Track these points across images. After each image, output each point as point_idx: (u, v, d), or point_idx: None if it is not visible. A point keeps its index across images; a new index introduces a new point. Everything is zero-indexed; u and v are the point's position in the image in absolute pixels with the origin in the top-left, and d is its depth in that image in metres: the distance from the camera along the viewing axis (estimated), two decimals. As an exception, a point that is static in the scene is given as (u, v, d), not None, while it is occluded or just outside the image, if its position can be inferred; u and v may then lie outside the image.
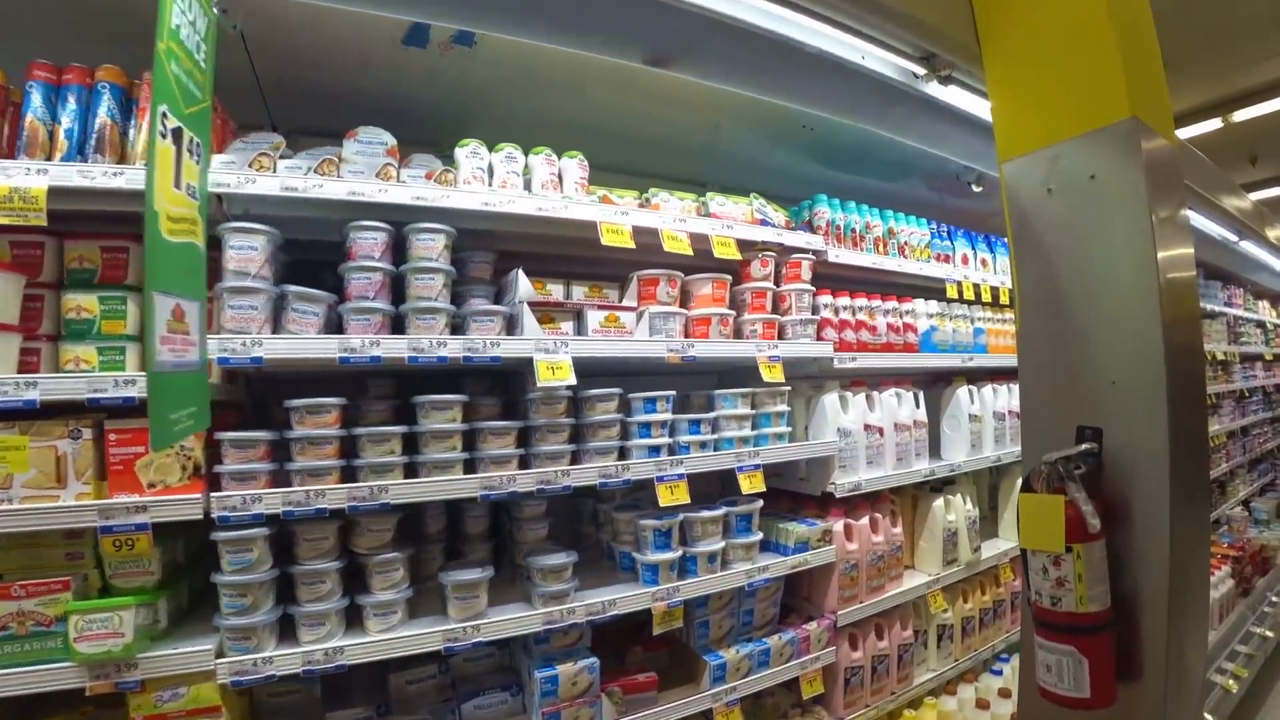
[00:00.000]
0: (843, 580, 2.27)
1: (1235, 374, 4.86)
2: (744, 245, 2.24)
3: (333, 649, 1.56)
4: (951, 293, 2.70)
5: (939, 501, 2.55)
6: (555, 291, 2.19)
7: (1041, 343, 1.73)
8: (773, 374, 2.12)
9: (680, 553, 2.02)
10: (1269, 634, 3.85)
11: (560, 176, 2.07)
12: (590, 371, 2.12)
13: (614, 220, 2.00)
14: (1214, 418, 4.50)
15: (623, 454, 2.00)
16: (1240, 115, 7.49)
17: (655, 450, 2.01)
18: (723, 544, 2.09)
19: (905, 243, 2.63)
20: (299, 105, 2.13)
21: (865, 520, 2.35)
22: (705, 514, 2.07)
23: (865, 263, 2.45)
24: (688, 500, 1.98)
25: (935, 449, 2.78)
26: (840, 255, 2.38)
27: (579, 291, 2.22)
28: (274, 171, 1.68)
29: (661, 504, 1.97)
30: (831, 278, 2.50)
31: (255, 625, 1.51)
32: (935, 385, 2.89)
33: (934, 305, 2.67)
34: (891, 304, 2.52)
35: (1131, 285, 1.48)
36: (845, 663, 2.31)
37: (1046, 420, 1.67)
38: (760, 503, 2.18)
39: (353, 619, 1.69)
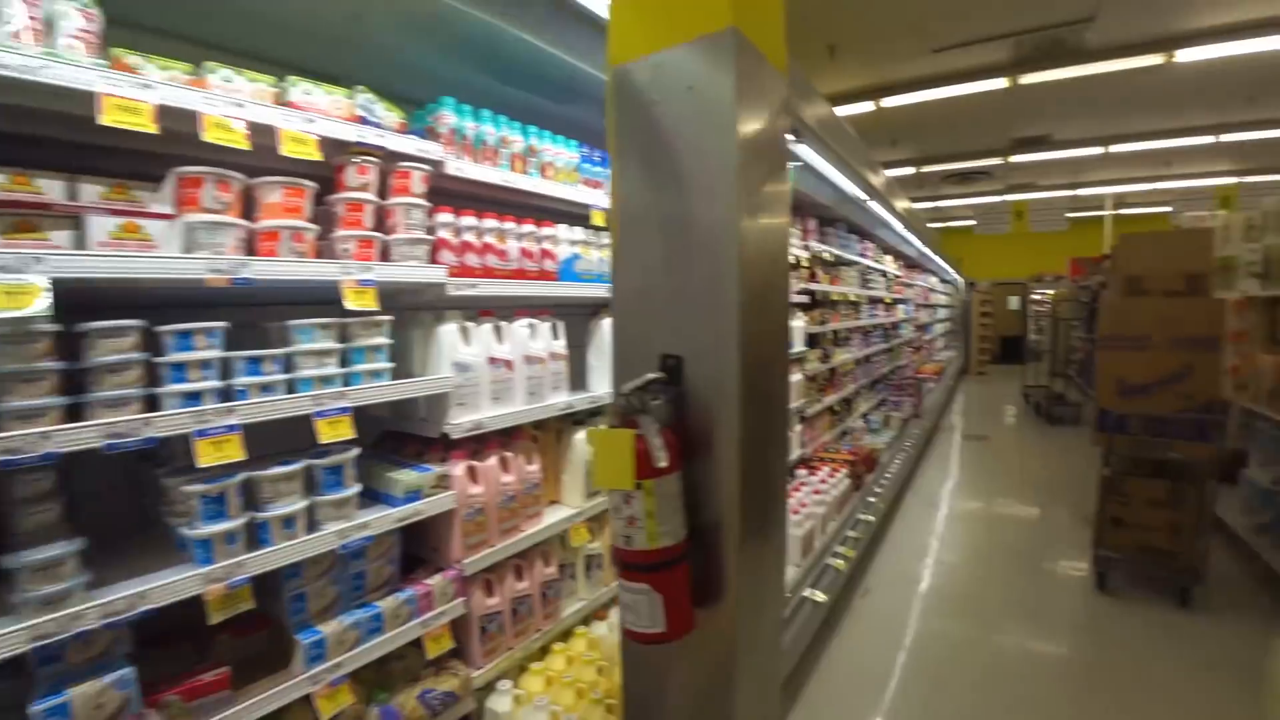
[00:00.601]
0: (467, 526, 2.10)
1: (863, 313, 5.94)
2: (335, 146, 1.82)
3: None
4: (599, 220, 2.63)
5: (581, 434, 2.53)
6: (51, 189, 1.55)
7: (633, 266, 1.64)
8: (362, 300, 1.78)
9: (244, 520, 1.64)
10: (871, 518, 4.85)
11: (50, 24, 1.43)
12: (121, 302, 1.58)
13: (127, 93, 1.44)
14: (846, 348, 5.44)
15: (152, 405, 1.52)
16: (888, 102, 9.13)
17: (194, 397, 1.57)
18: (305, 504, 1.75)
19: (549, 163, 2.46)
20: None
21: (494, 460, 2.19)
22: (275, 470, 1.69)
23: (496, 179, 2.20)
24: (241, 456, 1.58)
25: (582, 381, 2.75)
26: (464, 169, 2.10)
27: (93, 191, 1.60)
28: None
29: (202, 463, 1.54)
30: (460, 195, 2.22)
31: None
32: (585, 316, 2.84)
33: (579, 232, 2.57)
34: (528, 228, 2.33)
35: (714, 204, 1.42)
36: (480, 611, 2.18)
37: (636, 349, 1.59)
38: (355, 451, 1.86)
39: None
